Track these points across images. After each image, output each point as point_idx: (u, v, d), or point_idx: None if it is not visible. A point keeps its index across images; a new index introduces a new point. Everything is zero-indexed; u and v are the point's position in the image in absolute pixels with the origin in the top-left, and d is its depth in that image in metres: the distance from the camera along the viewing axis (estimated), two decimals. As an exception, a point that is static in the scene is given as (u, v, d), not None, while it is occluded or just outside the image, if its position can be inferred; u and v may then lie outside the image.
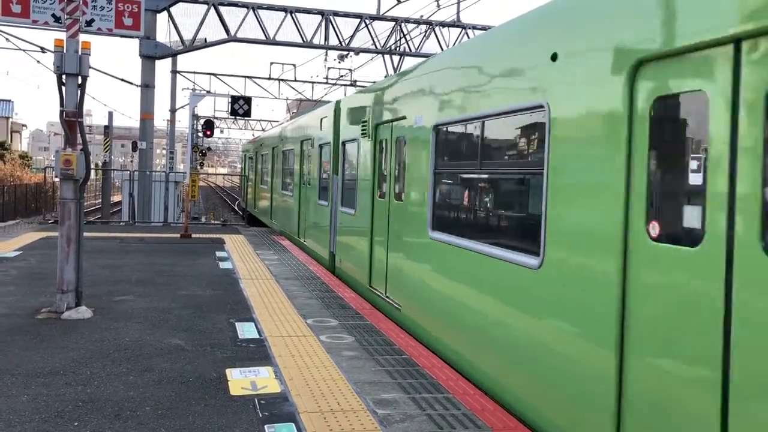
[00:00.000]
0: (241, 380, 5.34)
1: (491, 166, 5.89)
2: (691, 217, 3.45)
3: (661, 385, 3.55)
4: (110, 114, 25.71)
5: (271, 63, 45.63)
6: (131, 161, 61.66)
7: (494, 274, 5.40)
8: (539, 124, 4.88)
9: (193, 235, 15.73)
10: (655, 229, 3.67)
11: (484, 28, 23.49)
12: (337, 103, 11.95)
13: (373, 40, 24.04)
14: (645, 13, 3.68)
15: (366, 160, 9.63)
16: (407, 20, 24.13)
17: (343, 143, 11.25)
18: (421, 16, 23.85)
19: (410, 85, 7.95)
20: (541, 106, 4.79)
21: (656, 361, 3.58)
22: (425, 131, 7.15)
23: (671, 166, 3.65)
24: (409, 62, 24.17)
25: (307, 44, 23.14)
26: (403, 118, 8.01)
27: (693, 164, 3.45)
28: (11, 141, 53.21)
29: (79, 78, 7.49)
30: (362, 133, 9.85)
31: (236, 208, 40.72)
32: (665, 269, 3.55)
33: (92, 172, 9.87)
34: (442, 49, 23.07)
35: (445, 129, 6.78)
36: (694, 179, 3.43)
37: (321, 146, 12.97)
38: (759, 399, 2.93)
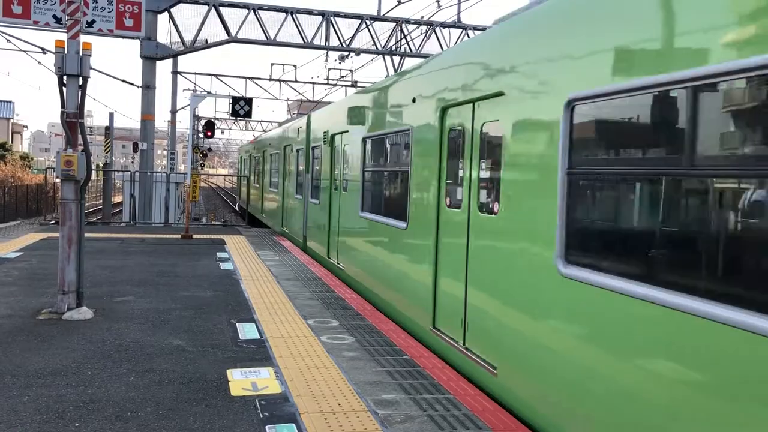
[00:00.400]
0: (241, 381, 5.34)
1: (390, 166, 9.00)
2: (459, 194, 6.26)
3: (451, 287, 6.34)
4: (111, 115, 25.74)
5: (272, 64, 45.69)
6: (132, 162, 61.71)
7: (387, 234, 8.52)
8: (408, 140, 7.76)
9: (194, 236, 15.75)
10: (448, 201, 6.58)
11: (484, 29, 23.48)
12: (309, 116, 15.09)
13: (373, 40, 24.03)
14: (447, 83, 6.64)
15: (326, 161, 12.54)
16: (408, 21, 24.12)
17: (312, 148, 14.29)
18: (422, 16, 23.84)
19: (351, 106, 10.97)
20: (408, 129, 7.74)
21: (448, 275, 6.43)
22: (359, 141, 10.07)
23: (454, 167, 6.51)
24: (409, 63, 24.18)
25: (308, 45, 23.13)
26: (347, 131, 10.97)
27: (460, 165, 6.32)
28: (12, 142, 53.27)
29: (80, 79, 7.50)
30: (324, 141, 12.79)
31: (236, 207, 40.85)
32: (451, 222, 6.43)
33: (93, 173, 9.87)
34: (442, 50, 23.08)
35: (369, 140, 9.74)
36: (460, 174, 6.29)
37: (298, 150, 15.99)
38: (478, 285, 5.75)
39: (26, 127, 76.53)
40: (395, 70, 23.59)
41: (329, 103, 15.78)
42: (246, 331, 6.95)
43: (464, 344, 5.95)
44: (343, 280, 10.47)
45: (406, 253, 7.71)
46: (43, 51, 21.62)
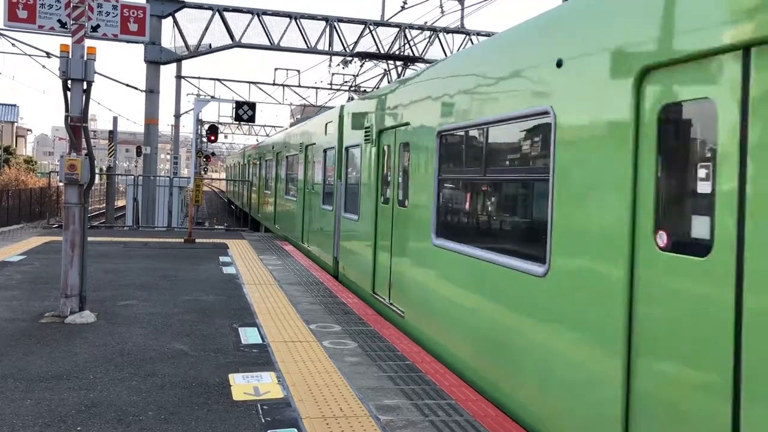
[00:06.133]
0: (243, 385, 5.34)
1: (291, 173, 16.51)
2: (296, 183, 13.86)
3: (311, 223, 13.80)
4: (115, 119, 25.81)
5: (276, 69, 45.71)
6: (135, 166, 61.74)
7: (289, 203, 16.33)
8: (301, 157, 14.84)
9: (197, 240, 15.76)
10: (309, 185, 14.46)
11: (488, 34, 23.51)
12: (271, 138, 23.39)
13: (377, 45, 24.06)
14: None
15: (273, 170, 19.78)
16: (411, 26, 24.14)
17: (268, 160, 21.44)
18: (425, 22, 23.89)
19: (272, 142, 20.00)
20: (300, 149, 15.03)
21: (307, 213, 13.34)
22: (278, 162, 17.93)
23: (292, 175, 16.45)
24: (412, 68, 24.14)
25: (312, 50, 23.16)
26: (279, 152, 18.13)
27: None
28: (16, 145, 53.41)
29: (85, 83, 7.52)
30: (272, 157, 20.00)
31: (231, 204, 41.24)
32: (302, 192, 14.99)
33: (97, 176, 9.89)
34: (446, 55, 23.09)
35: (287, 157, 16.63)
36: (296, 174, 15.93)
37: (266, 161, 22.67)
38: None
39: (30, 130, 76.69)
40: (398, 76, 23.60)
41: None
42: (248, 335, 6.95)
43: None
44: (298, 248, 15.82)
45: (297, 209, 14.95)
46: (48, 55, 21.72)
